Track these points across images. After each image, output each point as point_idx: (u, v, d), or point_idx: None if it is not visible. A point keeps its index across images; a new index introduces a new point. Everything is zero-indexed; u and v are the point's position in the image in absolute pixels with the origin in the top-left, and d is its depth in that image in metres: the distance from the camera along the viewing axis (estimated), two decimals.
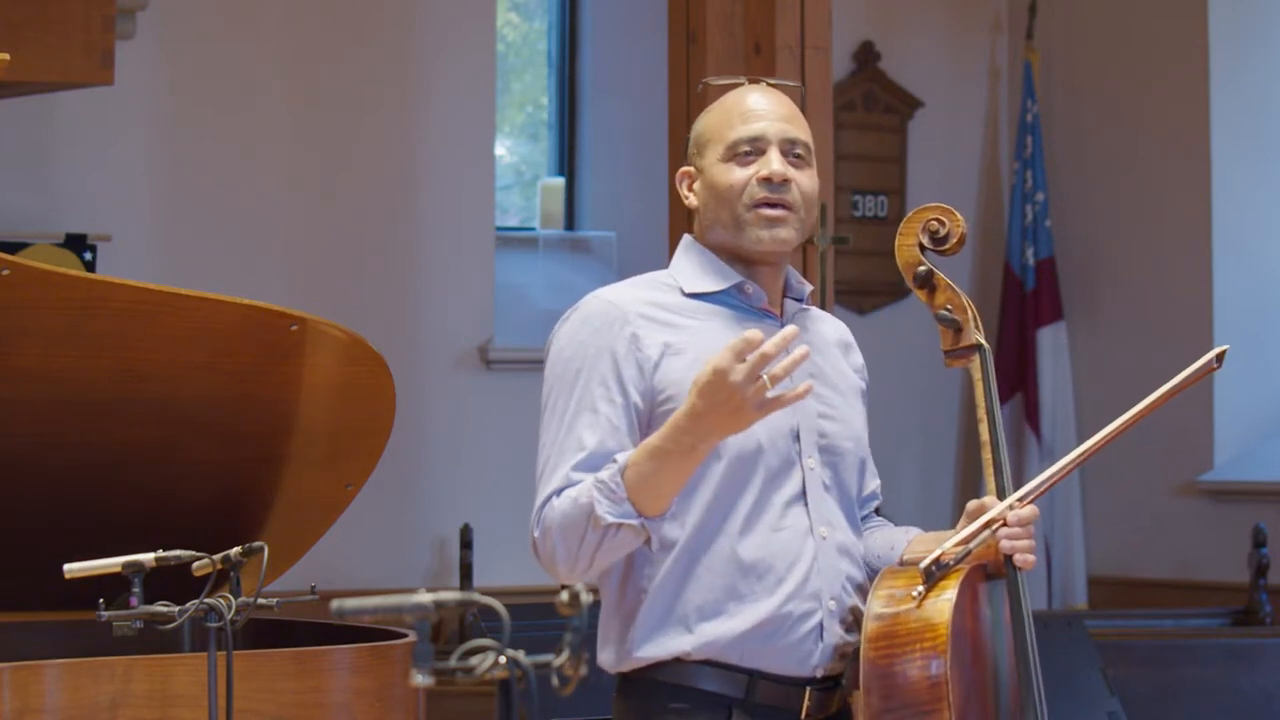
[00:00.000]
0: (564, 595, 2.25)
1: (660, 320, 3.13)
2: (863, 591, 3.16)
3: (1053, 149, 8.51)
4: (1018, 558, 3.15)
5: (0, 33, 5.90)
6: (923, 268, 3.34)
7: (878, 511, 3.35)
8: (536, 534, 3.05)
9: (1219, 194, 8.02)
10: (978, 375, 3.32)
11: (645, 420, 3.08)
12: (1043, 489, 3.20)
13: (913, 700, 3.02)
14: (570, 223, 8.54)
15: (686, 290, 3.17)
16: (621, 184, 8.36)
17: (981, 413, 3.30)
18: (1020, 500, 3.16)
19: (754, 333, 2.92)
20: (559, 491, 3.04)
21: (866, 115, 8.46)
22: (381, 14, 7.70)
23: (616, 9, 8.46)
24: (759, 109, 3.18)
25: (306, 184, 7.56)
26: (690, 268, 3.20)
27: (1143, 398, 3.29)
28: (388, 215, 7.70)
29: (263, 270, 7.39)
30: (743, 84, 3.26)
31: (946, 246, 3.33)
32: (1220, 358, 3.29)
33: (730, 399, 2.90)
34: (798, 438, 3.14)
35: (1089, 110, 8.49)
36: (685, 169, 3.24)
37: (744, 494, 3.09)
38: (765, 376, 2.90)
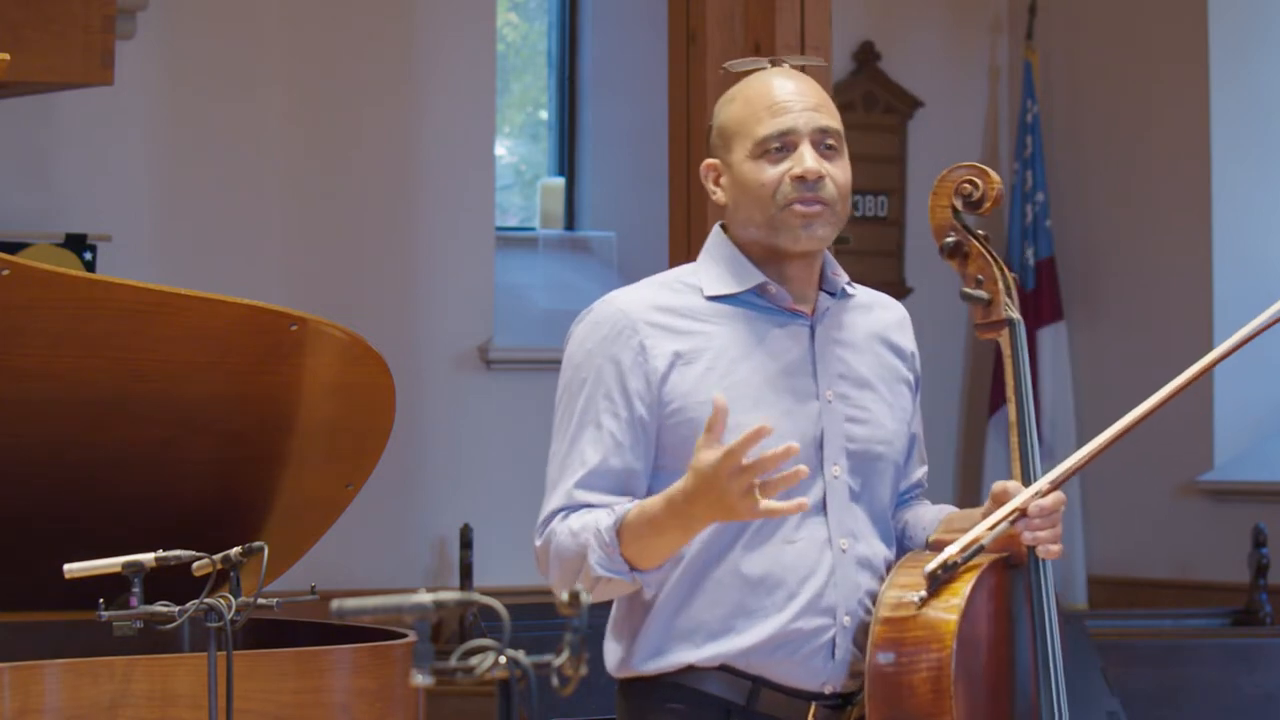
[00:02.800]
0: (564, 595, 2.25)
1: (672, 328, 3.01)
2: None
3: (1053, 149, 8.51)
4: (1040, 550, 3.03)
5: (0, 33, 5.90)
6: (950, 239, 3.19)
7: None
8: (537, 544, 2.99)
9: (1219, 194, 8.02)
10: (1008, 351, 3.14)
11: (655, 431, 2.99)
12: (1073, 470, 3.06)
13: (915, 711, 2.91)
14: (570, 223, 8.54)
15: (707, 293, 3.05)
16: (621, 184, 8.36)
17: (1010, 392, 3.13)
18: (1047, 485, 3.02)
19: (759, 429, 2.77)
20: (563, 511, 2.97)
21: (866, 115, 8.46)
22: (381, 14, 7.70)
23: (616, 9, 8.46)
24: (786, 99, 3.03)
25: (306, 184, 7.56)
26: (714, 268, 3.07)
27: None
28: (388, 215, 7.70)
29: (263, 270, 7.39)
30: (764, 68, 3.10)
31: (981, 209, 3.18)
32: None
33: (722, 497, 2.80)
34: (821, 445, 3.03)
35: (1089, 110, 8.49)
36: (710, 162, 3.09)
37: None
38: (757, 490, 2.78)
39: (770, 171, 3.01)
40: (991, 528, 2.98)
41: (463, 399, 7.78)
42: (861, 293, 3.19)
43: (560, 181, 8.51)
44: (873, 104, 8.52)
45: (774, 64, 3.11)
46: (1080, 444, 8.55)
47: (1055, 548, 3.05)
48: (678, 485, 2.85)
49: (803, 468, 2.80)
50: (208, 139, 7.40)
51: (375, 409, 4.26)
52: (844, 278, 3.13)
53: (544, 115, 8.71)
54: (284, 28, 7.53)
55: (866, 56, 8.52)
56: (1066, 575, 8.31)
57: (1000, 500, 3.04)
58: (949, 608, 2.93)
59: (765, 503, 2.79)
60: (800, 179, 3.00)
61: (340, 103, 7.61)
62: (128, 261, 7.05)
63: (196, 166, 7.39)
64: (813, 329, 3.07)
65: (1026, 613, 3.06)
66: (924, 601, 2.93)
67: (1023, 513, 3.00)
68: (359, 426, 4.29)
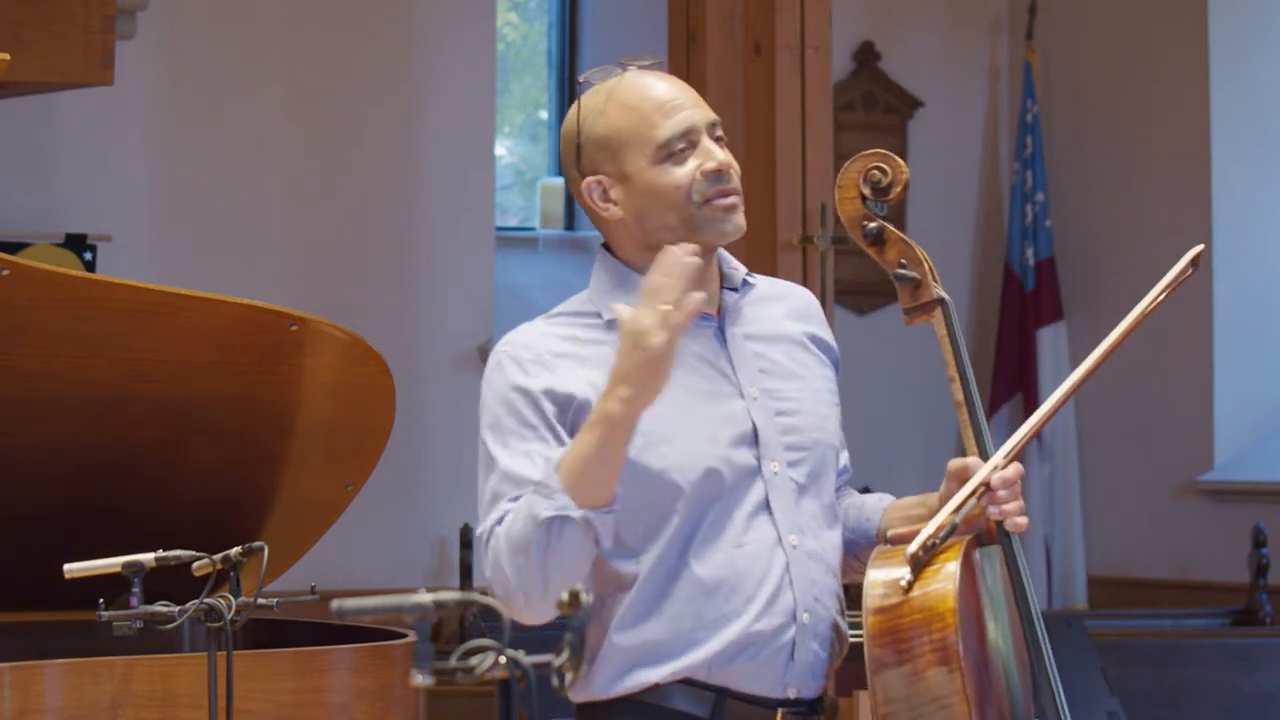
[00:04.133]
0: (564, 595, 2.25)
1: (578, 357, 2.95)
2: (839, 601, 3.00)
3: (1053, 149, 8.51)
4: (1008, 522, 2.99)
5: (0, 33, 5.90)
6: (873, 224, 3.14)
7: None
8: (489, 573, 2.93)
9: (1219, 194, 8.02)
10: (942, 331, 3.10)
11: None
12: (1024, 441, 3.04)
13: (928, 696, 2.86)
14: (570, 223, 8.54)
15: (606, 318, 2.97)
16: None
17: (952, 371, 3.10)
18: (1004, 459, 2.98)
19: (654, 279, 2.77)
20: (499, 522, 2.93)
21: (866, 115, 8.46)
22: (381, 14, 7.70)
23: (616, 9, 8.46)
24: (673, 99, 2.97)
25: (306, 184, 7.57)
26: (607, 290, 3.00)
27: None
28: (388, 215, 7.70)
29: (263, 270, 7.40)
30: (619, 74, 3.00)
31: (890, 196, 3.13)
32: (1195, 261, 3.14)
33: (637, 343, 2.76)
34: (756, 442, 2.96)
35: (1089, 110, 8.49)
36: (595, 178, 2.98)
37: (704, 516, 2.91)
38: (661, 307, 2.74)
39: (679, 172, 2.95)
40: (959, 506, 2.96)
41: (463, 399, 7.76)
42: (763, 283, 3.12)
43: (560, 181, 8.51)
44: (873, 104, 8.52)
45: (624, 68, 3.03)
46: (1081, 443, 8.61)
47: (1022, 520, 3.01)
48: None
49: (693, 247, 2.80)
50: (208, 139, 7.40)
51: (375, 409, 4.25)
52: (741, 270, 3.07)
53: (544, 115, 8.71)
54: (284, 28, 7.54)
55: (866, 56, 8.53)
56: (1066, 575, 8.31)
57: (960, 477, 3.01)
58: (942, 587, 2.89)
59: (670, 319, 2.75)
60: (716, 173, 2.94)
61: (340, 103, 7.62)
62: (128, 261, 7.05)
63: (196, 166, 7.39)
64: (722, 329, 3.02)
65: (1004, 587, 3.03)
66: (910, 585, 2.89)
67: (986, 487, 2.98)
68: (359, 426, 4.29)
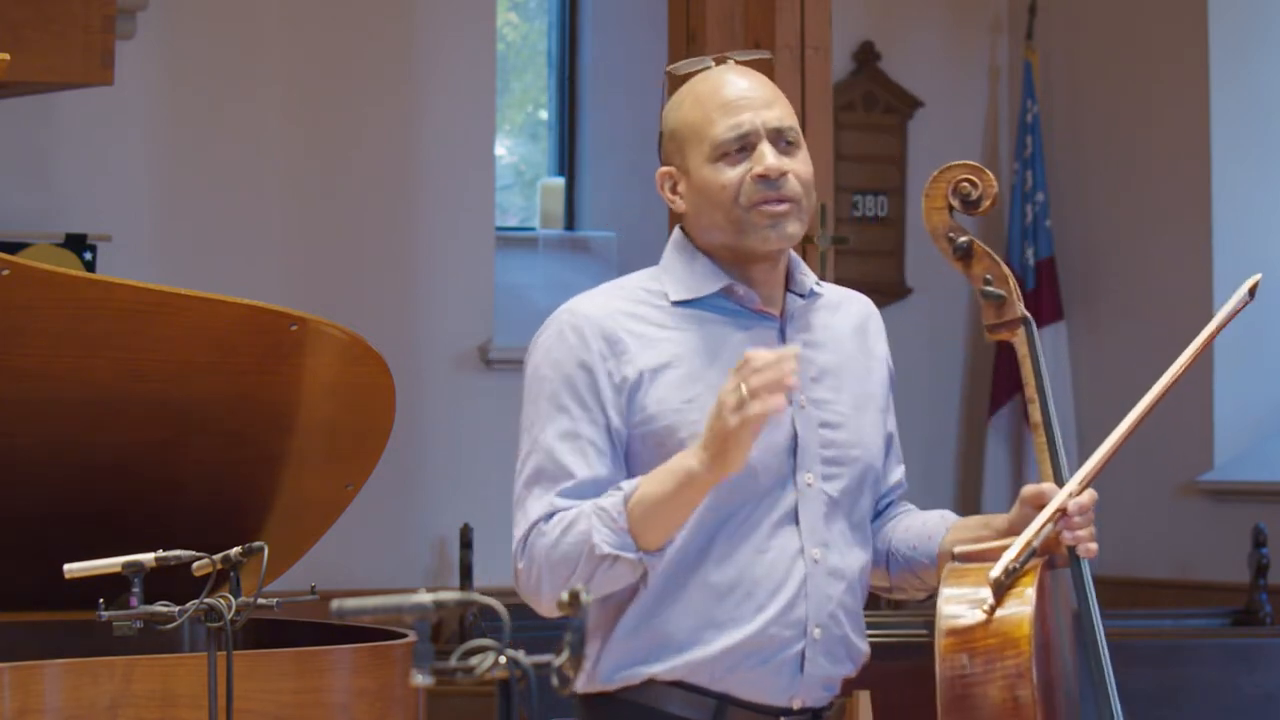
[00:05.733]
0: (564, 595, 2.25)
1: (639, 335, 2.93)
2: (856, 619, 2.98)
3: (1053, 149, 8.51)
4: (1081, 548, 2.97)
5: (0, 33, 5.90)
6: (964, 239, 3.11)
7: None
8: (521, 564, 2.88)
9: (1219, 194, 8.02)
10: (1024, 350, 3.07)
11: (624, 442, 2.90)
12: (1099, 467, 3.02)
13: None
14: (570, 223, 8.54)
15: (672, 298, 2.97)
16: (621, 184, 8.37)
17: (1031, 391, 3.06)
18: (1078, 485, 2.97)
19: (753, 353, 2.73)
20: (546, 518, 2.87)
21: (866, 115, 8.46)
22: (381, 14, 7.71)
23: (616, 9, 8.46)
24: (739, 98, 2.94)
25: (306, 184, 7.57)
26: (677, 271, 3.00)
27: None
28: (388, 215, 7.70)
29: (263, 270, 7.40)
30: (709, 67, 3.00)
31: (980, 209, 3.12)
32: (1253, 290, 3.12)
33: (719, 415, 2.73)
34: (795, 452, 2.94)
35: (1089, 110, 8.49)
36: (666, 169, 3.01)
37: (732, 517, 2.89)
38: (743, 386, 2.71)
39: (730, 173, 2.93)
40: (1038, 531, 2.93)
41: (463, 399, 7.78)
42: (830, 291, 3.12)
43: (560, 181, 8.51)
44: (873, 104, 8.52)
45: (719, 62, 3.02)
46: (1081, 443, 8.59)
47: (1093, 546, 3.00)
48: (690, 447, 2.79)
49: (790, 352, 2.75)
50: (208, 139, 7.40)
51: (375, 409, 4.26)
52: (811, 278, 3.06)
53: (544, 115, 8.71)
54: (284, 28, 7.54)
55: (866, 56, 8.52)
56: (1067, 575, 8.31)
57: (1035, 503, 2.98)
58: (1019, 612, 2.86)
59: (747, 408, 2.71)
60: (763, 178, 2.92)
61: (340, 103, 7.62)
62: (128, 261, 7.05)
63: (196, 166, 7.39)
64: (782, 331, 3.00)
65: (1067, 613, 3.03)
66: (992, 609, 2.86)
67: (1062, 513, 2.96)
68: (359, 426, 4.29)
